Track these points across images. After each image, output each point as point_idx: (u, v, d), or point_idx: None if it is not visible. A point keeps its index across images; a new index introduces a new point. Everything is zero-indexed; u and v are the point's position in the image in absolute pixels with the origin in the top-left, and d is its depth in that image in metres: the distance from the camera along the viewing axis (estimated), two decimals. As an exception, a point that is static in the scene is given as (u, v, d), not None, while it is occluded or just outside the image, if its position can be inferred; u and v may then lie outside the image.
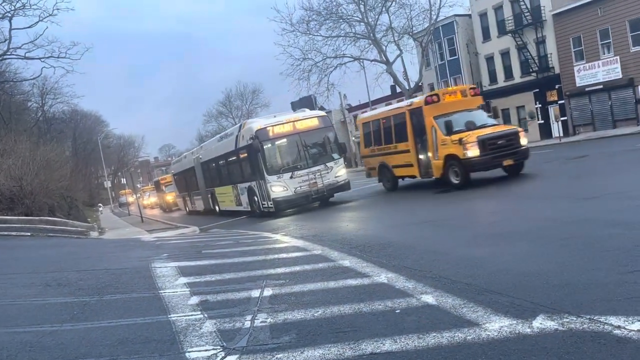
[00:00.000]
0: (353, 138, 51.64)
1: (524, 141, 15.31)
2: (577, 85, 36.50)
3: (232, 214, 22.04)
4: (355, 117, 66.69)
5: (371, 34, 40.56)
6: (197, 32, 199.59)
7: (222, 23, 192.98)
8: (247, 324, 4.88)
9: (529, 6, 39.41)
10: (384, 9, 40.38)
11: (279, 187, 17.43)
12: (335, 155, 18.54)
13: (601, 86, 34.84)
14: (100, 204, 62.48)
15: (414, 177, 18.25)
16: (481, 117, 16.41)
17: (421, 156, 17.04)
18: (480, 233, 8.72)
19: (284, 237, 11.63)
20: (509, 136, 15.18)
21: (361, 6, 40.24)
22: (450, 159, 15.38)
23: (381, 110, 21.06)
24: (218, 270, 7.87)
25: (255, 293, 6.04)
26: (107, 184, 70.15)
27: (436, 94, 16.91)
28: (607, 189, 10.70)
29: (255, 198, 19.13)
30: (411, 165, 17.49)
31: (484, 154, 14.56)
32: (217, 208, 24.93)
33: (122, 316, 5.58)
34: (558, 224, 8.22)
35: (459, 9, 43.56)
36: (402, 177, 18.99)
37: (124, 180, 67.13)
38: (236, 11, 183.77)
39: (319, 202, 18.99)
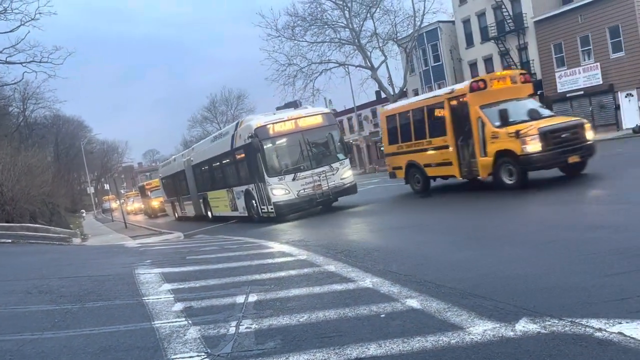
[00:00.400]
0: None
1: (589, 135, 13.34)
2: (559, 91, 37.08)
3: (226, 220, 21.06)
4: (342, 121, 66.87)
5: (356, 40, 40.78)
6: (185, 37, 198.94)
7: (211, 28, 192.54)
8: (232, 330, 4.85)
9: (511, 13, 40.00)
10: (368, 15, 40.67)
11: (280, 190, 16.06)
12: (341, 156, 17.21)
13: (582, 92, 35.43)
14: (83, 210, 61.76)
15: (448, 177, 16.17)
16: (533, 107, 14.32)
17: (463, 153, 14.72)
18: (465, 237, 8.78)
19: (269, 242, 11.59)
20: (574, 128, 13.12)
21: (346, 12, 40.48)
22: (502, 155, 13.20)
23: (411, 100, 18.47)
24: (202, 276, 7.81)
25: (240, 299, 6.01)
26: (90, 189, 69.36)
27: (482, 80, 14.60)
28: (590, 193, 10.85)
29: (254, 202, 17.71)
30: (449, 164, 15.06)
31: (547, 149, 12.45)
32: (209, 214, 23.46)
33: (104, 323, 5.51)
34: (542, 227, 8.32)
35: (442, 15, 44.22)
36: (435, 178, 16.75)
37: (107, 186, 66.43)
38: (225, 16, 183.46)
39: (320, 206, 17.61)
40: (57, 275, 8.89)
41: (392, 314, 4.85)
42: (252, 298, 6.00)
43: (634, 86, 32.21)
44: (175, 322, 5.31)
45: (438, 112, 15.38)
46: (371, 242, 9.67)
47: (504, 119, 13.17)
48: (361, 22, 40.96)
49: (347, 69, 43.50)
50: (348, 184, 17.09)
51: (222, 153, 20.02)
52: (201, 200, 24.05)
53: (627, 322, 3.77)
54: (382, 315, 4.82)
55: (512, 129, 13.01)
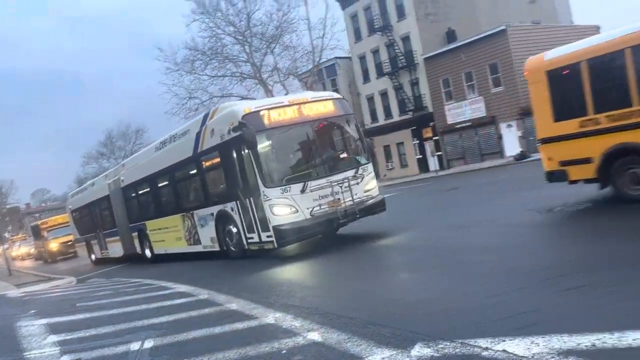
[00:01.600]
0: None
1: None
2: (449, 122, 39.73)
3: (178, 259, 15.78)
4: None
5: (257, 74, 41.19)
6: (79, 70, 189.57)
7: (108, 60, 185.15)
8: (124, 380, 4.54)
9: (402, 50, 42.56)
10: (268, 50, 41.34)
11: (284, 208, 10.89)
12: (362, 159, 12.28)
13: (469, 123, 38.23)
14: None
15: None
16: None
17: None
18: (363, 266, 8.97)
19: (168, 283, 11.10)
20: None
21: (246, 47, 40.87)
22: None
23: (623, 33, 9.12)
24: (94, 324, 7.29)
25: (135, 345, 5.67)
26: (-32, 235, 62.79)
27: None
28: (475, 218, 11.58)
29: (233, 229, 12.34)
30: None
31: None
32: (147, 252, 17.79)
33: (-24, 386, 4.94)
34: (435, 252, 8.72)
35: (340, 52, 45.84)
36: None
37: (-12, 231, 60.55)
38: (122, 49, 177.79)
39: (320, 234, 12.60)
40: None
41: (293, 349, 4.80)
42: (149, 344, 5.69)
43: (513, 118, 35.32)
44: (60, 377, 4.88)
45: None
46: (275, 276, 9.55)
47: None
48: (262, 57, 41.53)
49: (249, 103, 43.60)
50: (374, 198, 12.09)
51: (176, 162, 14.61)
52: (135, 234, 18.44)
53: (510, 339, 4.01)
54: (283, 351, 4.76)
55: None
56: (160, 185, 16.28)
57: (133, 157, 20.82)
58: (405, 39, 42.62)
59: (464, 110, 38.46)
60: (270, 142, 11.26)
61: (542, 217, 9.77)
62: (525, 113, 34.60)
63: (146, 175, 16.74)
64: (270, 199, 10.83)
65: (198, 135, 13.21)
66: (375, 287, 7.02)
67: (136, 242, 18.44)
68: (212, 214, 13.13)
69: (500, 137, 36.68)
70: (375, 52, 45.66)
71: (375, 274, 7.98)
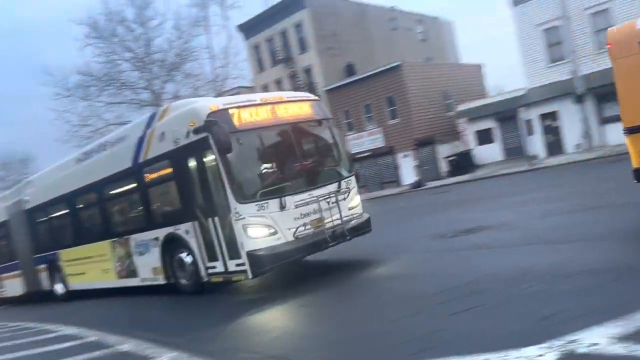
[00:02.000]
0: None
1: None
2: (350, 152, 40.99)
3: (94, 295, 13.31)
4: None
5: (157, 102, 40.06)
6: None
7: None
8: None
9: (305, 82, 43.62)
10: (169, 78, 40.47)
11: (261, 229, 8.80)
12: (343, 171, 10.49)
13: (369, 153, 39.72)
14: None
15: None
16: None
17: None
18: (267, 298, 8.84)
19: (53, 325, 10.19)
20: None
21: (145, 74, 39.74)
22: None
23: None
24: (-39, 377, 6.49)
25: (9, 399, 5.10)
26: None
27: None
28: (378, 245, 11.90)
29: (186, 257, 9.96)
30: None
31: None
32: (59, 287, 14.79)
33: None
34: (332, 281, 8.79)
35: (243, 81, 45.95)
36: None
37: None
38: (5, 73, 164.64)
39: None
40: None
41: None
42: (25, 396, 5.14)
43: (409, 148, 37.22)
44: None
45: None
46: (174, 311, 9.11)
47: None
48: (162, 85, 40.53)
49: (148, 131, 42.07)
50: (361, 217, 10.55)
51: (107, 176, 11.94)
52: (43, 266, 15.37)
53: (405, 365, 4.10)
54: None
55: None
56: (82, 205, 13.46)
57: (43, 172, 17.18)
58: (308, 71, 43.71)
59: (364, 140, 39.94)
60: (242, 147, 9.06)
61: (435, 243, 10.24)
62: (420, 144, 36.71)
63: (63, 193, 13.78)
64: (244, 218, 8.66)
65: (141, 140, 10.80)
66: (274, 320, 6.92)
67: (44, 277, 15.36)
68: (156, 239, 10.68)
69: (396, 167, 38.41)
70: (279, 82, 46.29)
71: (280, 306, 7.87)
